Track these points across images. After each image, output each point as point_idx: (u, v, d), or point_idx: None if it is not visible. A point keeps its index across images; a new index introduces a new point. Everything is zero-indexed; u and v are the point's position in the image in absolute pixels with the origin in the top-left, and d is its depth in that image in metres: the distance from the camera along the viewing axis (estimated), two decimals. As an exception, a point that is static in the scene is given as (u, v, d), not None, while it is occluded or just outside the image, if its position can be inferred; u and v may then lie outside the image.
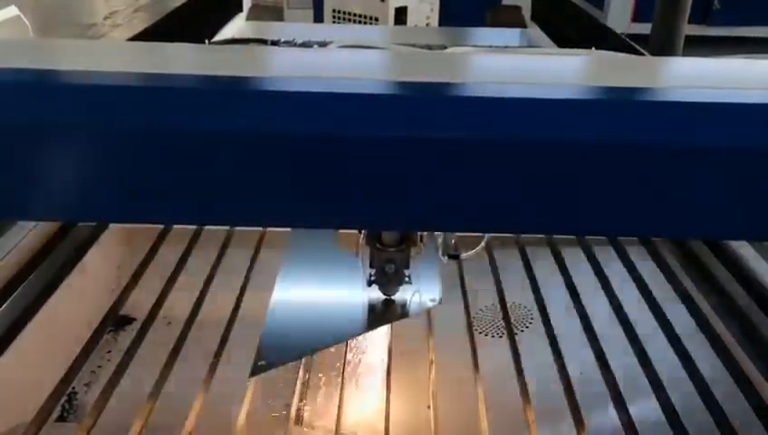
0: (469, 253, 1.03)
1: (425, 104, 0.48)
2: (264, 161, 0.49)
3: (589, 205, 0.49)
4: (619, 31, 1.50)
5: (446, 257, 1.03)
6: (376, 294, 1.04)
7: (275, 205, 0.51)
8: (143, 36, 1.25)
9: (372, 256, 0.99)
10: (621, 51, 0.91)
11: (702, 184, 0.48)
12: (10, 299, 1.04)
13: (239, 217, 0.56)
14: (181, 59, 0.61)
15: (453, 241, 1.03)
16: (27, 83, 0.49)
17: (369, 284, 1.02)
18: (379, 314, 1.05)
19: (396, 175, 0.49)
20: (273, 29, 1.78)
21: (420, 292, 1.07)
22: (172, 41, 0.67)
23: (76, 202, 0.52)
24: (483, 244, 1.04)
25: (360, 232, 0.98)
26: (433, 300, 1.09)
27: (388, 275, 0.98)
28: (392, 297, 1.05)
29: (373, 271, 1.00)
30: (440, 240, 1.01)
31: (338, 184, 0.50)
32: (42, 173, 0.49)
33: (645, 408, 0.93)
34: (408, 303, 1.06)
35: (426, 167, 0.48)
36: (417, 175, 0.49)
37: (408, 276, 1.01)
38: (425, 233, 0.98)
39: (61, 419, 1.10)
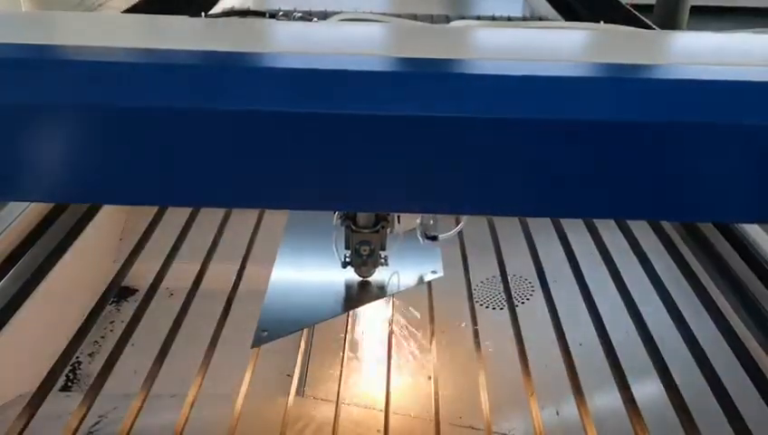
0: (447, 234, 1.01)
1: (428, 82, 0.47)
2: (259, 141, 0.47)
3: (594, 187, 0.47)
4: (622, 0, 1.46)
5: (424, 238, 1.00)
6: (352, 275, 1.02)
7: (271, 186, 0.50)
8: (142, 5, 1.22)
9: (347, 237, 0.96)
10: (629, 24, 0.89)
11: (720, 164, 0.47)
12: (14, 268, 1.04)
13: (234, 200, 0.54)
14: (177, 34, 0.59)
15: (431, 222, 1.00)
16: (17, 59, 0.47)
17: (344, 265, 1.00)
18: (355, 296, 1.04)
19: (394, 154, 0.47)
20: (274, -4, 1.75)
21: (399, 274, 1.05)
22: (173, 8, 0.65)
23: (67, 183, 0.50)
24: (461, 225, 1.02)
25: (334, 212, 0.94)
26: (434, 272, 1.08)
27: (362, 257, 0.96)
28: (369, 279, 1.04)
29: (348, 252, 0.98)
30: (418, 221, 0.98)
31: (334, 164, 0.48)
32: (30, 153, 0.48)
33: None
34: (385, 285, 1.04)
35: (425, 146, 0.47)
36: (418, 154, 0.47)
37: (385, 258, 0.99)
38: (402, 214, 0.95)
39: (65, 388, 1.11)
